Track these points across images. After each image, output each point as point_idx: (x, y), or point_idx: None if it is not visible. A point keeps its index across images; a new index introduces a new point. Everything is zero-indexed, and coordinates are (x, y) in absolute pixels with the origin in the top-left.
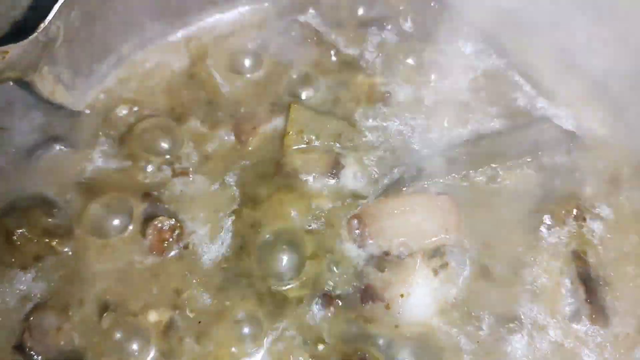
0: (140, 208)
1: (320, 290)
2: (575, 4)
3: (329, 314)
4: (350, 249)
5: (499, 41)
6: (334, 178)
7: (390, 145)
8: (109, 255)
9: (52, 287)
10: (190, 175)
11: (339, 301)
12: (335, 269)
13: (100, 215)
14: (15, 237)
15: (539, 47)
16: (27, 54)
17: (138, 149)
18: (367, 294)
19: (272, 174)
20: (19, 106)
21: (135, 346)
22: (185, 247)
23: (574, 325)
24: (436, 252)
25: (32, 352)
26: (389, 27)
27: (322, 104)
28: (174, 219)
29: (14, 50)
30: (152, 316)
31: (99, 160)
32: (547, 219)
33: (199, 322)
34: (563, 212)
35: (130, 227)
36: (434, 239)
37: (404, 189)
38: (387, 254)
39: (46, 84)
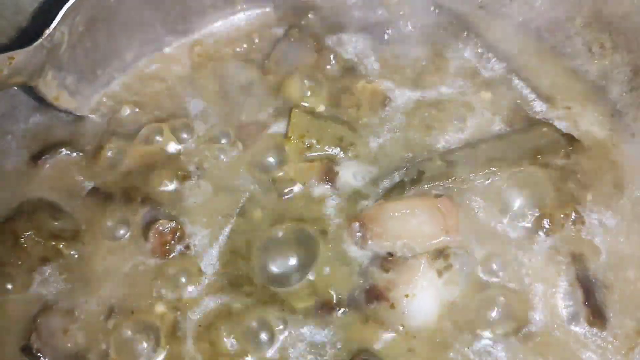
0: (142, 211)
1: (324, 292)
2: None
3: (333, 315)
4: (353, 251)
5: (498, 46)
6: (330, 184)
7: (391, 149)
8: (114, 257)
9: (59, 289)
10: (193, 179)
11: (343, 302)
12: (338, 270)
13: (105, 218)
14: (22, 240)
15: (538, 50)
16: (32, 60)
17: (141, 154)
18: (372, 294)
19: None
20: (23, 111)
21: (140, 346)
22: (187, 247)
23: (573, 327)
24: (440, 254)
25: (39, 354)
26: (390, 31)
27: (323, 109)
28: (174, 221)
29: (19, 56)
30: (156, 317)
31: (103, 164)
32: (546, 223)
33: (199, 325)
34: (562, 215)
35: (133, 231)
36: (434, 241)
37: (404, 192)
38: (391, 254)
39: (50, 89)
